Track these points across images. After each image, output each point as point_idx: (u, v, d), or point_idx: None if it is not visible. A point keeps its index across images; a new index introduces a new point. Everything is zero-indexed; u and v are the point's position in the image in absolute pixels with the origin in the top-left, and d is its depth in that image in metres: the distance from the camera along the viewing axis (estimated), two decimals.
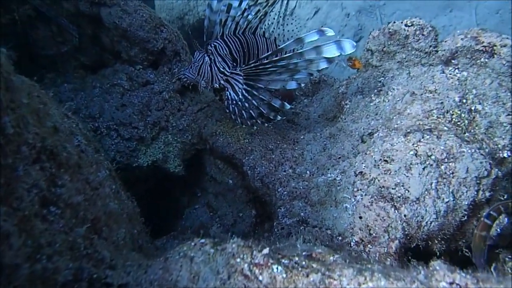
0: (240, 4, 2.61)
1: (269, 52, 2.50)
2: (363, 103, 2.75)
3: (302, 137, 2.93)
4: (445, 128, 2.14)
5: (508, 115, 2.17)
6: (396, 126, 2.33)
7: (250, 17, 2.65)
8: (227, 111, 2.74)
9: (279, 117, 2.65)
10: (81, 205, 1.17)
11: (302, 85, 2.44)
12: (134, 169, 2.80)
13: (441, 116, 2.23)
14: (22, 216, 0.97)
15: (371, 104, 2.69)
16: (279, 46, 2.96)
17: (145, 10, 2.93)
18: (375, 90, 2.74)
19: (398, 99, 2.47)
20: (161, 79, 3.05)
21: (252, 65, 2.56)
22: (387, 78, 2.72)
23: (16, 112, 1.09)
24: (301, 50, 2.30)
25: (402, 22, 2.53)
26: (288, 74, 2.41)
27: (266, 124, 2.71)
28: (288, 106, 2.56)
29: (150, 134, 2.91)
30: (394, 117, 2.39)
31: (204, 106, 3.16)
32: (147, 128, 2.90)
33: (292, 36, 3.10)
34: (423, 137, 2.05)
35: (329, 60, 2.27)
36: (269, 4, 2.63)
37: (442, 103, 2.27)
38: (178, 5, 6.29)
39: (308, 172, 2.54)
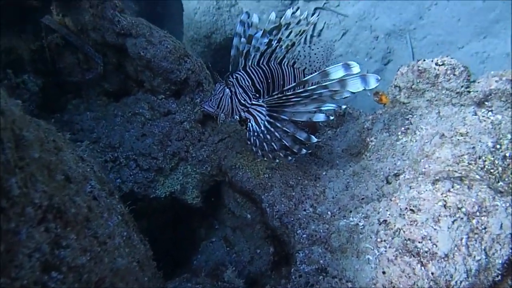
0: (263, 35, 2.58)
1: (293, 84, 2.43)
2: (389, 141, 2.63)
3: (324, 173, 2.84)
4: (477, 176, 2.01)
5: None
6: (424, 170, 2.21)
7: (274, 46, 2.62)
8: (248, 143, 2.69)
9: (304, 151, 2.55)
10: (86, 266, 1.12)
11: (331, 118, 2.34)
12: (152, 200, 2.77)
13: (473, 162, 2.09)
14: (20, 286, 0.93)
15: (398, 143, 2.58)
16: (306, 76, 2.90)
17: (169, 41, 2.94)
18: (402, 128, 2.62)
19: (427, 140, 2.35)
20: (183, 109, 3.03)
21: (275, 96, 2.51)
22: (415, 116, 2.61)
23: (25, 170, 1.06)
24: (325, 83, 2.25)
25: (432, 61, 2.43)
26: (315, 106, 2.33)
27: (290, 158, 2.63)
28: (314, 140, 2.46)
29: (169, 164, 2.88)
30: (422, 160, 2.27)
31: (225, 136, 3.12)
32: (166, 159, 2.88)
33: (320, 61, 3.01)
34: (452, 187, 1.92)
35: (354, 92, 2.22)
36: (298, 34, 2.58)
37: (474, 148, 2.14)
38: (205, 24, 6.36)
39: (329, 212, 2.44)
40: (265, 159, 2.66)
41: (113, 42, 2.86)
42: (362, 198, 2.43)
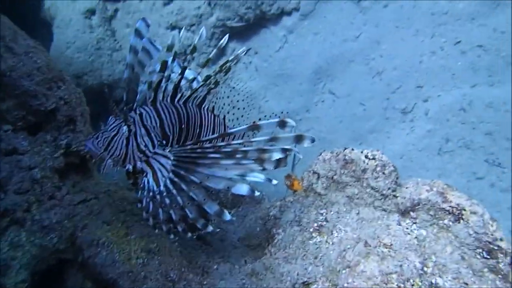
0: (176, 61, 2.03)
1: (214, 135, 1.87)
2: (300, 238, 2.19)
3: (215, 266, 2.23)
4: None
5: None
6: (346, 285, 1.77)
7: (195, 83, 2.09)
8: (139, 205, 1.99)
9: (210, 228, 1.95)
10: None
11: (257, 193, 1.85)
12: None
13: (402, 285, 1.74)
14: None
15: (311, 242, 2.14)
16: (228, 127, 2.38)
17: (41, 55, 2.16)
18: (315, 225, 2.22)
19: (348, 246, 1.96)
20: (37, 150, 2.17)
21: (188, 147, 1.92)
22: (331, 213, 2.24)
23: None
24: (254, 139, 1.80)
25: (362, 152, 2.15)
26: (238, 172, 1.80)
27: (190, 235, 1.97)
28: (228, 217, 1.89)
29: None
30: (343, 271, 1.85)
31: (91, 197, 2.31)
32: None
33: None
34: None
35: (285, 151, 1.80)
36: (223, 70, 2.09)
37: (401, 266, 1.80)
38: (79, 62, 5.42)
39: None
40: (156, 231, 1.96)
41: None
42: None
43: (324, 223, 2.21)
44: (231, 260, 2.37)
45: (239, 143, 1.76)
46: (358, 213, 2.16)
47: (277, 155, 1.76)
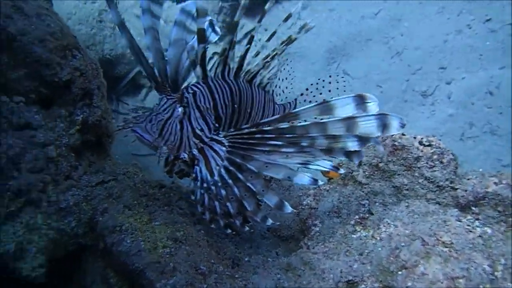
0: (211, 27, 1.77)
1: (274, 117, 1.62)
2: (341, 232, 1.98)
3: (246, 258, 2.03)
4: None
5: None
6: None
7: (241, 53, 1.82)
8: (193, 198, 1.80)
9: (269, 222, 1.76)
10: None
11: (320, 182, 1.60)
12: None
13: None
14: None
15: (354, 236, 1.93)
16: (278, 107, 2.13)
17: (54, 19, 1.91)
18: (357, 217, 2.00)
19: (402, 243, 1.74)
20: (52, 126, 1.93)
21: (245, 131, 1.68)
22: (376, 204, 2.03)
23: None
24: (324, 120, 1.51)
25: (415, 138, 1.91)
26: (301, 160, 1.55)
27: (246, 229, 1.80)
28: (289, 209, 1.69)
29: (6, 207, 1.72)
30: (399, 273, 1.64)
31: (109, 179, 2.09)
32: (5, 198, 1.71)
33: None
34: None
35: (363, 140, 1.51)
36: (284, 42, 1.82)
37: (468, 269, 1.59)
38: (80, 35, 5.08)
39: None
40: (212, 226, 1.79)
41: None
42: None
43: (367, 215, 2.00)
44: (261, 251, 2.17)
45: (304, 126, 1.49)
46: (407, 206, 1.94)
47: (353, 145, 1.48)
